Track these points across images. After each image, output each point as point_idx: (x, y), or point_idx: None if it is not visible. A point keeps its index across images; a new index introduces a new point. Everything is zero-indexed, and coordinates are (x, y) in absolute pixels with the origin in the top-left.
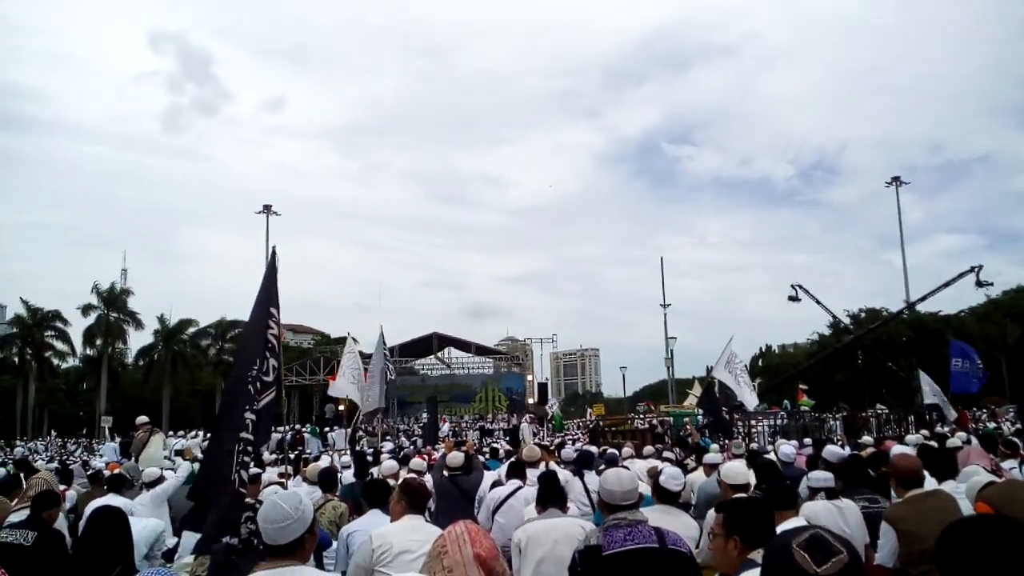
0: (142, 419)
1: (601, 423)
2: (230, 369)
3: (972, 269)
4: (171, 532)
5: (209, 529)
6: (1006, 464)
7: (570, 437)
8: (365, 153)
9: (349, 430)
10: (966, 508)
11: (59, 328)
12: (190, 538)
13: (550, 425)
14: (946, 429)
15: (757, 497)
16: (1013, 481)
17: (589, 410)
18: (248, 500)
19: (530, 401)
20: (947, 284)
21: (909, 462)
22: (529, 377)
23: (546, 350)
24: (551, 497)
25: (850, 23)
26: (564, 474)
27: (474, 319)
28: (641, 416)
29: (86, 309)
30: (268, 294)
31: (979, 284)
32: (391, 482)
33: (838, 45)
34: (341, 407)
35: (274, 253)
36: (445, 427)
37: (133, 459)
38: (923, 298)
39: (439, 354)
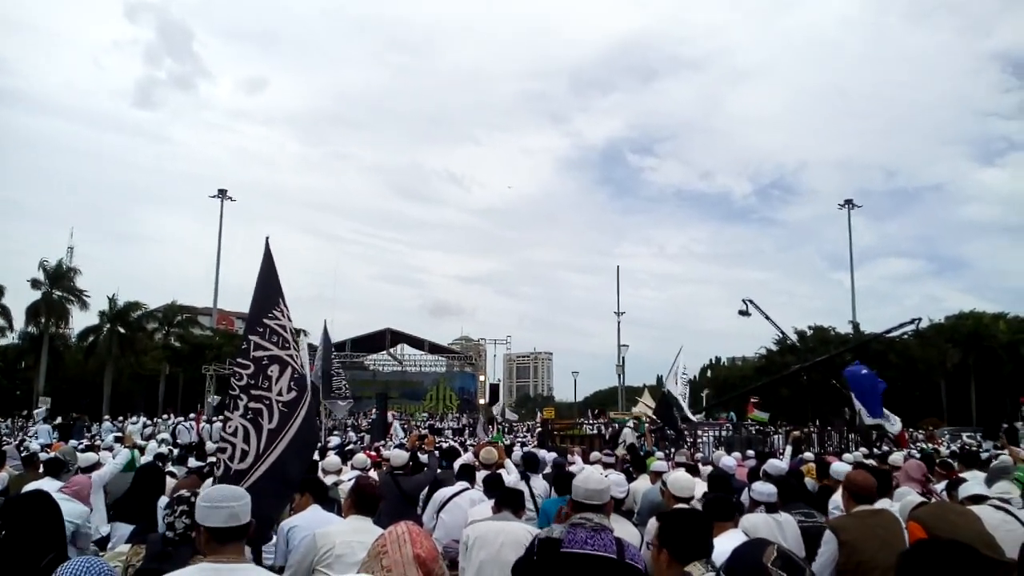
0: None
1: (550, 426)
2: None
3: (912, 321)
4: (106, 520)
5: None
6: (939, 485)
7: (519, 440)
8: (331, 143)
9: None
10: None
11: None
12: (124, 527)
13: (500, 427)
14: (884, 448)
15: (696, 510)
16: (943, 503)
17: (539, 413)
18: (184, 493)
19: (481, 401)
20: (890, 331)
21: (865, 479)
22: (481, 377)
23: (500, 351)
24: (509, 501)
25: (818, 47)
26: (514, 476)
27: (430, 316)
28: (590, 421)
29: (32, 284)
30: (271, 287)
31: (917, 334)
32: (332, 478)
33: (804, 67)
34: None
35: (267, 244)
36: (397, 425)
37: None
38: (869, 341)
39: (392, 350)
